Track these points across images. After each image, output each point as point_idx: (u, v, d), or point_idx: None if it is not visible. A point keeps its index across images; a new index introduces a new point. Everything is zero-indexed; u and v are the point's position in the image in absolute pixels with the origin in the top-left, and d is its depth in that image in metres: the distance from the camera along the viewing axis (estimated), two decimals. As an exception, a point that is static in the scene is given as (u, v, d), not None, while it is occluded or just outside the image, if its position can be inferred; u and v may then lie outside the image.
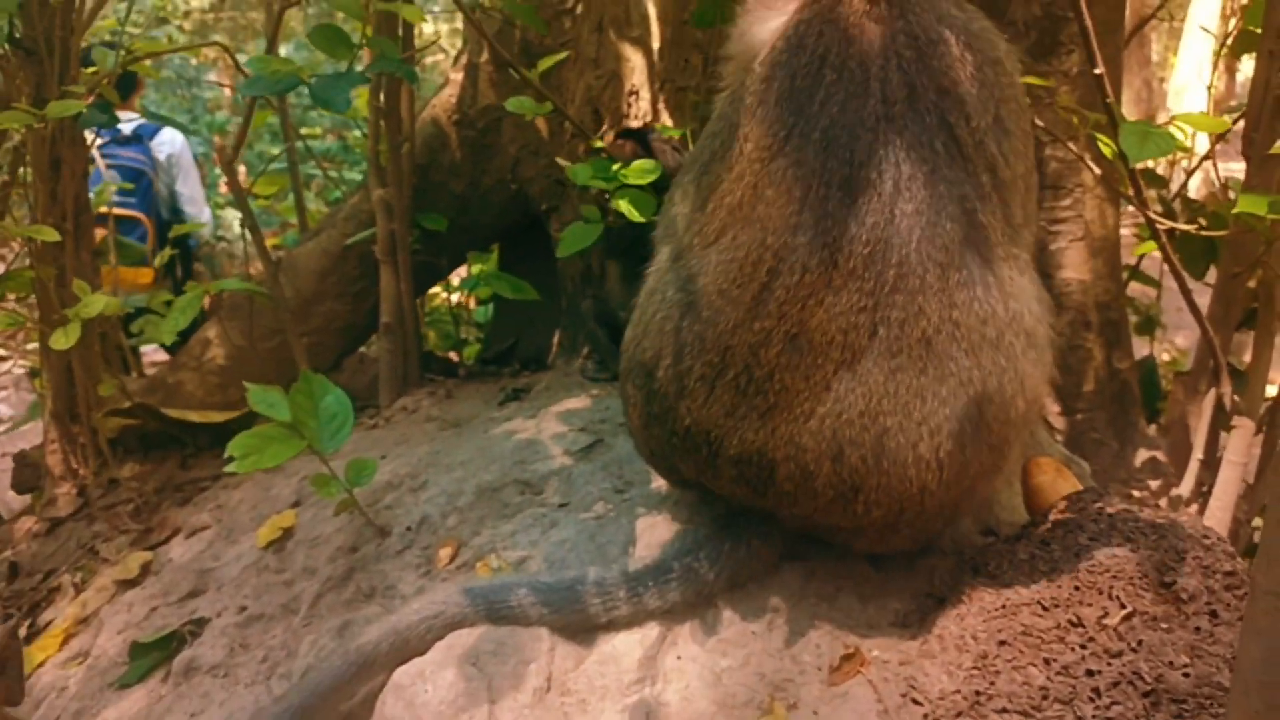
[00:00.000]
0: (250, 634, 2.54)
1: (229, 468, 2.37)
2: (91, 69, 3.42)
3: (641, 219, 2.79)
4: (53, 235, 3.17)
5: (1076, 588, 1.72)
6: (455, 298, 5.10)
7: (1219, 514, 2.94)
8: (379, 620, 2.12)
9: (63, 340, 3.14)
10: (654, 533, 2.28)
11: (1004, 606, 1.79)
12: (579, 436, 2.73)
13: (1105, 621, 1.64)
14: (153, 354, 6.46)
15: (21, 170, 3.46)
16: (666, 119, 3.33)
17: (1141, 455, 3.54)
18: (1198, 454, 3.15)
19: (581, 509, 2.43)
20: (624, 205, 2.80)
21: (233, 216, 11.31)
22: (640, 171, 2.90)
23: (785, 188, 1.74)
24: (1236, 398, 2.99)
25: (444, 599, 2.08)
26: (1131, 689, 1.57)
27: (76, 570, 3.26)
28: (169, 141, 6.18)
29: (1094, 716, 1.58)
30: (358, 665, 2.01)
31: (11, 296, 3.83)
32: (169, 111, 12.18)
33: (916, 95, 1.74)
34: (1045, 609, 1.73)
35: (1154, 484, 3.44)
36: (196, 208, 6.36)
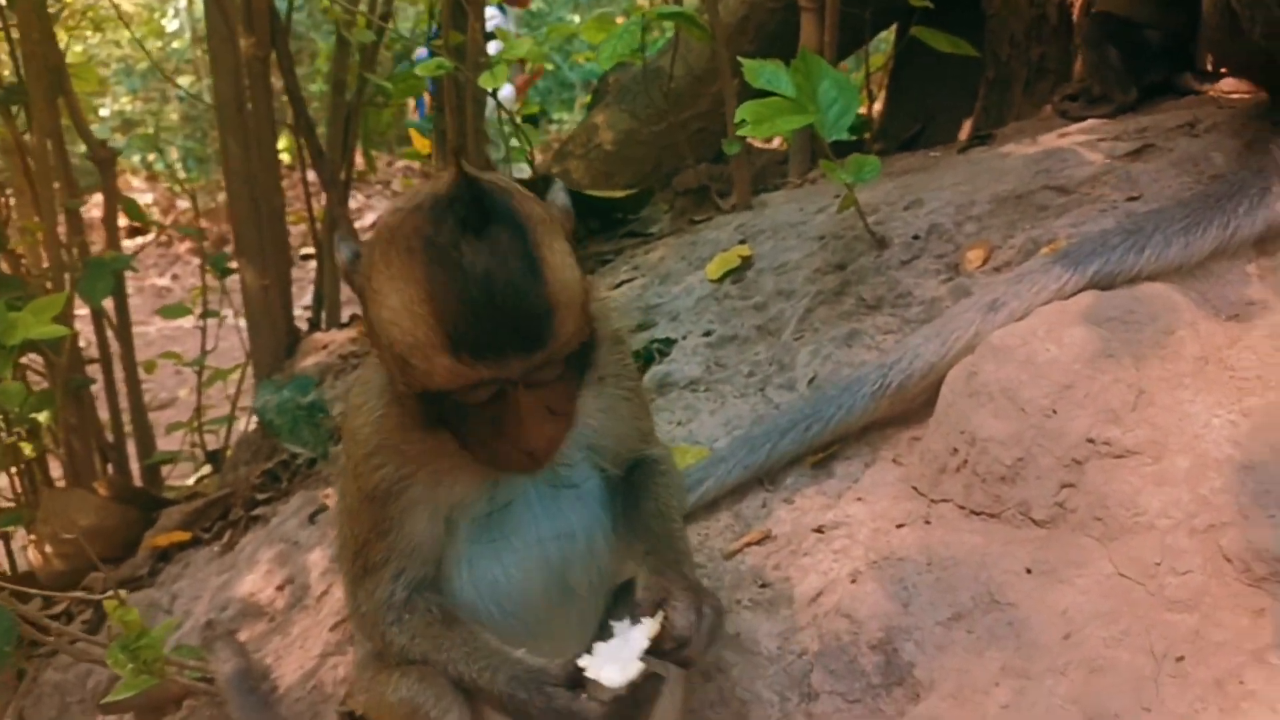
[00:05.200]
0: (725, 354, 2.25)
1: (741, 131, 2.07)
2: None
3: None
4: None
5: None
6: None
7: None
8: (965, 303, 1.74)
9: (490, 80, 2.99)
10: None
11: None
12: (1115, 144, 2.21)
13: None
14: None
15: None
16: None
17: None
18: None
19: (1168, 203, 1.91)
20: None
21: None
22: None
23: None
24: None
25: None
26: None
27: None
28: None
29: None
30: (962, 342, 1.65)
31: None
32: None
33: None
34: None
35: None
36: None
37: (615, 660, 1.07)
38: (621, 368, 1.37)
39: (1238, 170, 1.73)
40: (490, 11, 5.90)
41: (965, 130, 3.68)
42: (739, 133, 2.10)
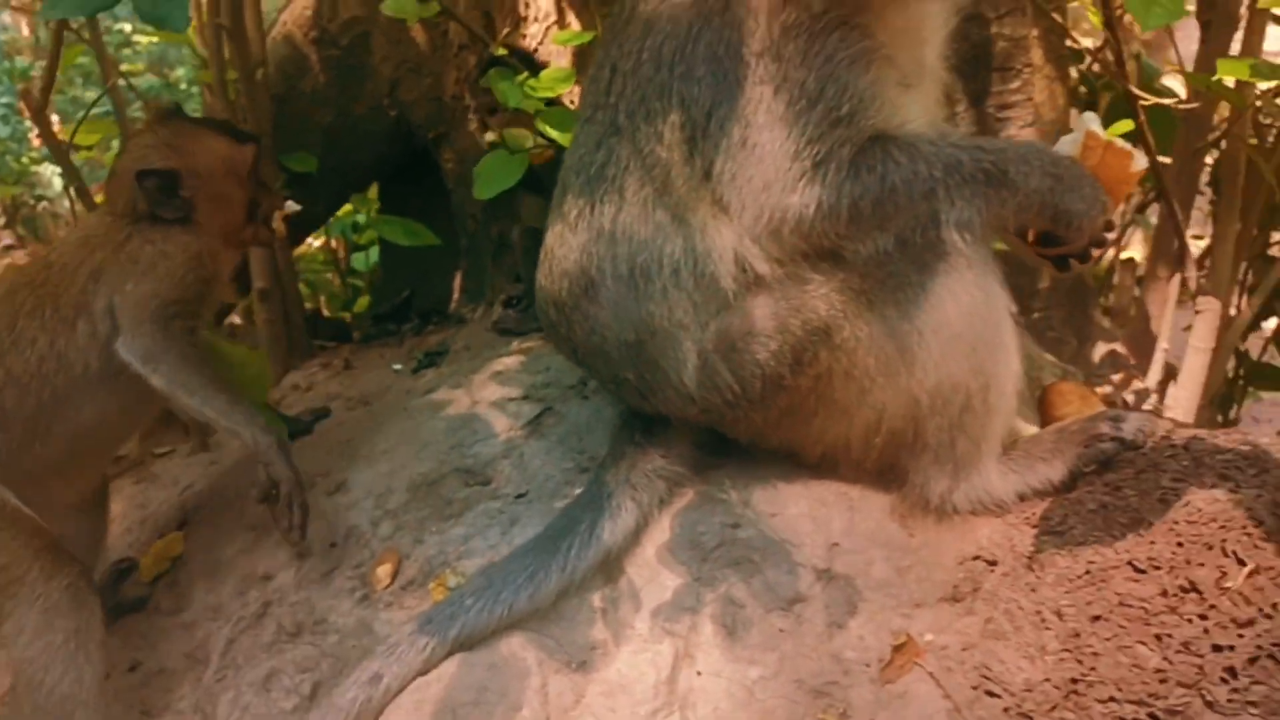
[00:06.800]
0: (151, 694, 2.07)
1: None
2: None
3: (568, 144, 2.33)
4: None
5: (1179, 544, 1.45)
6: (332, 242, 4.48)
7: (1186, 402, 2.81)
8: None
9: None
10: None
11: (1088, 573, 1.51)
12: (522, 407, 2.32)
13: (1225, 584, 1.38)
14: None
15: None
16: (573, 21, 2.84)
17: (1100, 349, 3.39)
18: (1163, 343, 3.01)
19: (544, 497, 2.03)
20: (550, 128, 2.34)
21: (51, 172, 9.94)
22: (553, 82, 2.43)
23: None
24: (1202, 280, 2.82)
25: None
26: (1274, 663, 1.32)
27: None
28: None
29: (1230, 701, 1.33)
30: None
31: None
32: (-43, 60, 10.55)
33: None
34: (1142, 571, 1.46)
35: (1116, 378, 3.30)
36: None
37: None
38: None
39: (573, 504, 1.87)
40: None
41: (456, 291, 3.74)
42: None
